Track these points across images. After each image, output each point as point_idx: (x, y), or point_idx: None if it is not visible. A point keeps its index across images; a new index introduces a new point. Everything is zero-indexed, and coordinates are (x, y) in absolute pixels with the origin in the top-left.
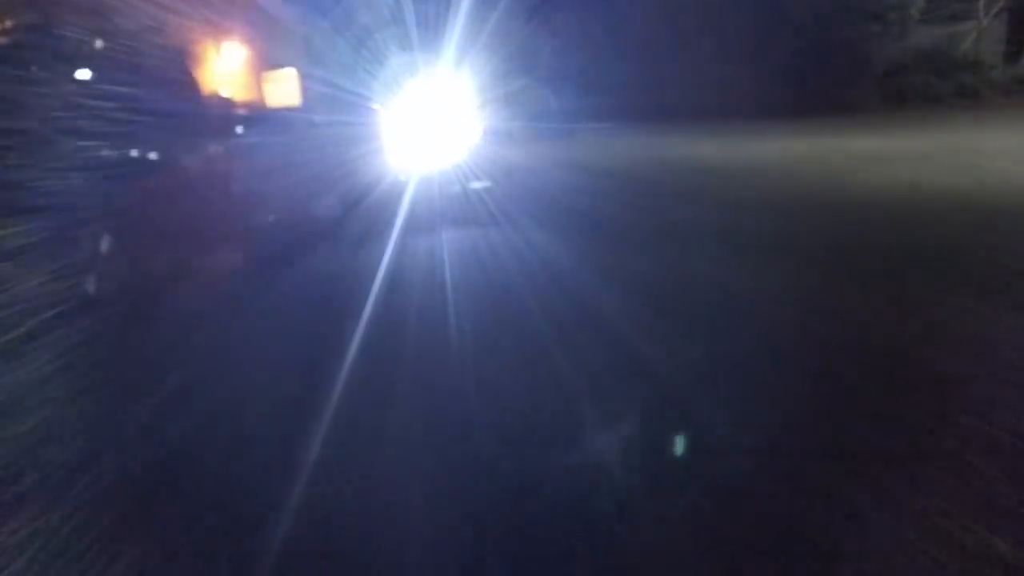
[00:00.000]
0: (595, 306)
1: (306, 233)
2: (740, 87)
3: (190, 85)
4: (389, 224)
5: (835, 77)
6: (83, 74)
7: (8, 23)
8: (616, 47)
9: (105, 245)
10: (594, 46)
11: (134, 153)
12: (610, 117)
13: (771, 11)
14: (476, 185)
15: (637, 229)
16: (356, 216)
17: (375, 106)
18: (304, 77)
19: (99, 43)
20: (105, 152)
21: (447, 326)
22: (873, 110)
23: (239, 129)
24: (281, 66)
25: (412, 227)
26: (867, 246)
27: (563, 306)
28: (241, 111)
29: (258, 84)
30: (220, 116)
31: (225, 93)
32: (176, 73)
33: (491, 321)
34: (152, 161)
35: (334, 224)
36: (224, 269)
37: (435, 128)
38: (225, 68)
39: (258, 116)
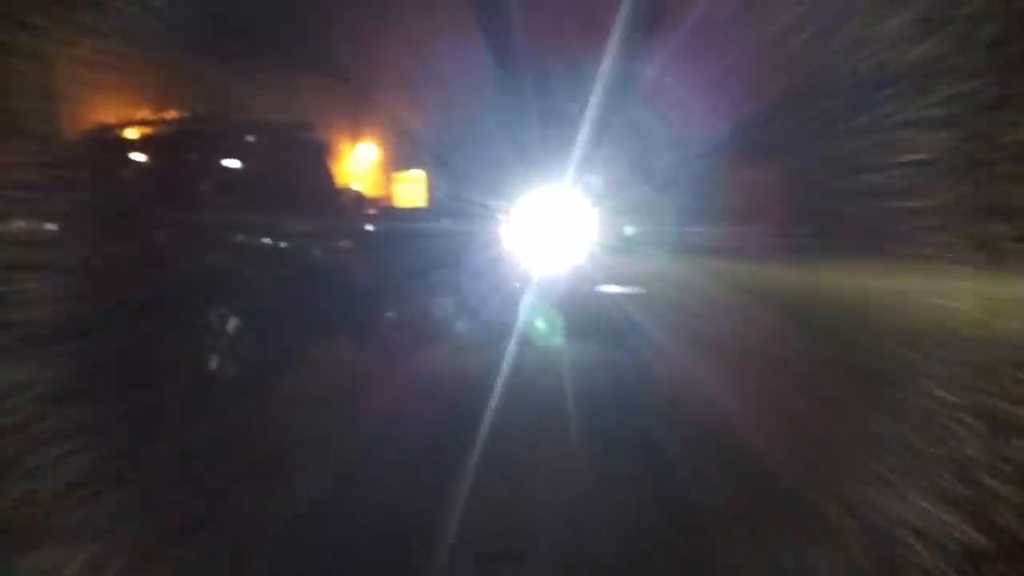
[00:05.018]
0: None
1: (424, 332)
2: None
3: (327, 180)
4: (509, 329)
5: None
6: (231, 163)
7: (167, 113)
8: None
9: (232, 326)
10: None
11: (267, 240)
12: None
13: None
14: (603, 289)
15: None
16: (474, 319)
17: (498, 210)
18: (432, 179)
19: (249, 137)
20: (240, 237)
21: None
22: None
23: (369, 226)
24: (411, 167)
25: (530, 335)
26: None
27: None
28: (371, 208)
29: (388, 183)
30: (352, 212)
31: (357, 189)
32: (315, 167)
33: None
34: (284, 249)
35: (451, 326)
36: (344, 359)
37: (557, 234)
38: (359, 165)
39: (386, 214)
